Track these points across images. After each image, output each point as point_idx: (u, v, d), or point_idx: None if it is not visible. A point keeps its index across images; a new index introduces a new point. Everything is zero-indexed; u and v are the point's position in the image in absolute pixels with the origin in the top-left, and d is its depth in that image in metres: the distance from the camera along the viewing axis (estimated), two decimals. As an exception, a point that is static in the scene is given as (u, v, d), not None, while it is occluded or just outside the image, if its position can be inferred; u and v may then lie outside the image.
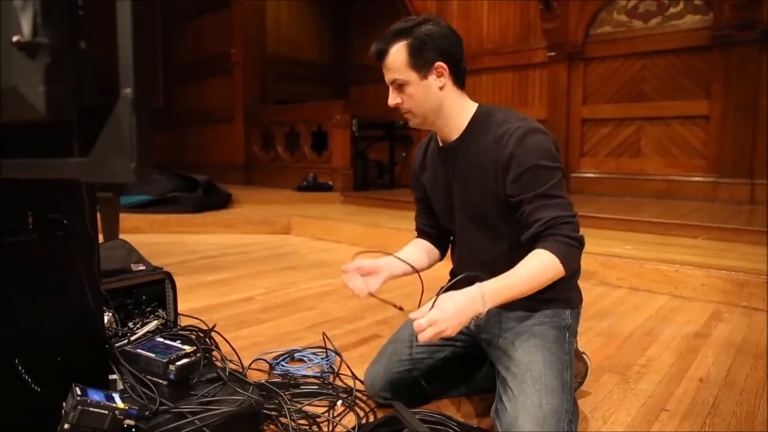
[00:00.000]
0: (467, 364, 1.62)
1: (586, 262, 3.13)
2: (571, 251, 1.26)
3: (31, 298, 1.12)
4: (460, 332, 1.44)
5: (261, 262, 3.49)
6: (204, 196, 5.07)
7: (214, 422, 1.18)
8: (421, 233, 1.66)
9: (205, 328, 1.58)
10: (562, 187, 1.32)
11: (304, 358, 1.87)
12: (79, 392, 1.04)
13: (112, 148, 0.64)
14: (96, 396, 1.05)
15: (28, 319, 1.12)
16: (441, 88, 1.36)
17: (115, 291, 1.72)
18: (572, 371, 1.37)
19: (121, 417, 1.05)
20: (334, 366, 1.82)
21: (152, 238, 4.08)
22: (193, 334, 1.54)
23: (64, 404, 1.05)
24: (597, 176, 5.82)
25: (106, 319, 1.47)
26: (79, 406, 1.00)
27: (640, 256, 3.11)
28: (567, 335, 1.40)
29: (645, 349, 2.06)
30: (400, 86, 1.36)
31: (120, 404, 1.05)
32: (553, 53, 5.92)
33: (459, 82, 1.40)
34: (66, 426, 1.00)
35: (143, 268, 1.90)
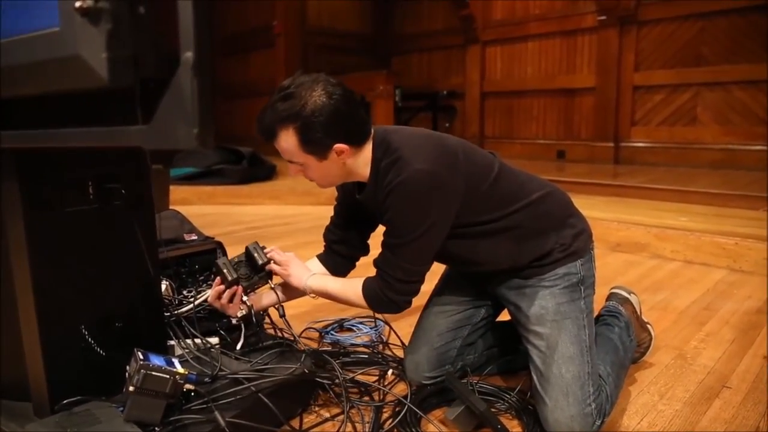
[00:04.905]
0: (506, 331, 1.58)
1: (637, 234, 3.07)
2: (380, 303, 1.34)
3: (94, 266, 1.16)
4: (486, 294, 1.50)
5: (307, 232, 3.52)
6: (249, 168, 5.12)
7: (269, 389, 1.20)
8: (330, 250, 1.56)
9: (256, 296, 1.60)
10: (418, 246, 1.26)
11: (353, 328, 1.88)
12: (141, 357, 1.07)
13: (174, 114, 0.63)
14: (157, 361, 1.08)
15: (91, 286, 1.15)
16: (344, 163, 1.28)
17: (170, 260, 1.76)
18: (591, 329, 1.33)
19: (182, 381, 1.07)
20: (383, 335, 1.82)
21: (200, 210, 4.16)
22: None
23: (127, 368, 1.09)
24: (648, 146, 5.60)
25: (163, 287, 1.51)
26: (142, 370, 1.03)
27: (696, 228, 2.99)
28: (582, 289, 1.35)
29: (702, 324, 1.99)
30: (300, 165, 1.28)
31: (180, 369, 1.08)
32: (603, 17, 5.68)
33: (360, 141, 1.28)
34: (131, 388, 1.03)
35: (195, 237, 1.94)
